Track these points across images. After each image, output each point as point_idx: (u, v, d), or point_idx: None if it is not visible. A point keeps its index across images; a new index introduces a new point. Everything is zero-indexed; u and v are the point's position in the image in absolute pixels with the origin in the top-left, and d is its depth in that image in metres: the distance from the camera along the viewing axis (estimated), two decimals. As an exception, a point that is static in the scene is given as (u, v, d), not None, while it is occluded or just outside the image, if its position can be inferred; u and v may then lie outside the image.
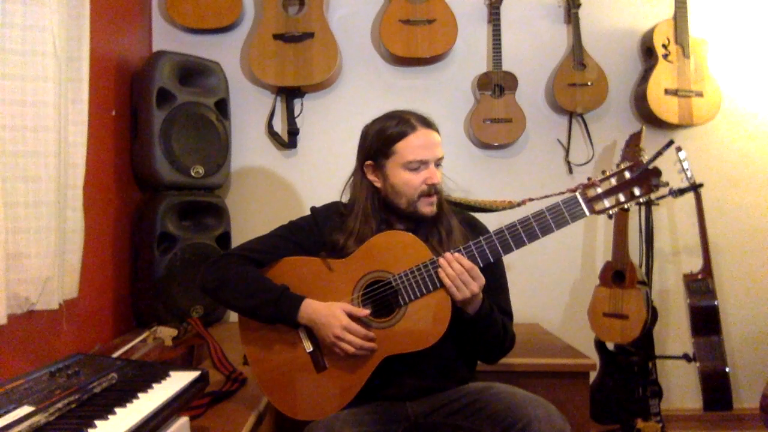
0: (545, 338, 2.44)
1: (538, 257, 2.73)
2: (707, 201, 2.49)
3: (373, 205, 1.51)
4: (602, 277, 2.50)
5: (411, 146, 1.45)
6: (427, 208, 1.47)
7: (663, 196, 2.48)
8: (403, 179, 1.45)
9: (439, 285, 1.37)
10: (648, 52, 2.72)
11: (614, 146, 2.76)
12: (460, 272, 1.34)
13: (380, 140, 1.48)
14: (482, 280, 1.36)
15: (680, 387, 2.75)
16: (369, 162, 1.51)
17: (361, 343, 1.39)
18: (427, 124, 1.50)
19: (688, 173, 2.44)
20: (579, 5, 2.69)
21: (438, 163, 1.49)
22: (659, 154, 1.32)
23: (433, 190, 1.46)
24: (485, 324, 1.43)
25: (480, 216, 1.68)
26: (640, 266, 2.51)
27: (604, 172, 1.34)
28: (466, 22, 2.72)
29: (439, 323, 1.38)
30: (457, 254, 1.36)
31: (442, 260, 1.36)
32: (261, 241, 1.56)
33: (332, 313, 1.40)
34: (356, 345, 1.38)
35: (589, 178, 1.36)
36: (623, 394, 2.44)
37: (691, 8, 2.66)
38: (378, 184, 1.51)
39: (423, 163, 1.45)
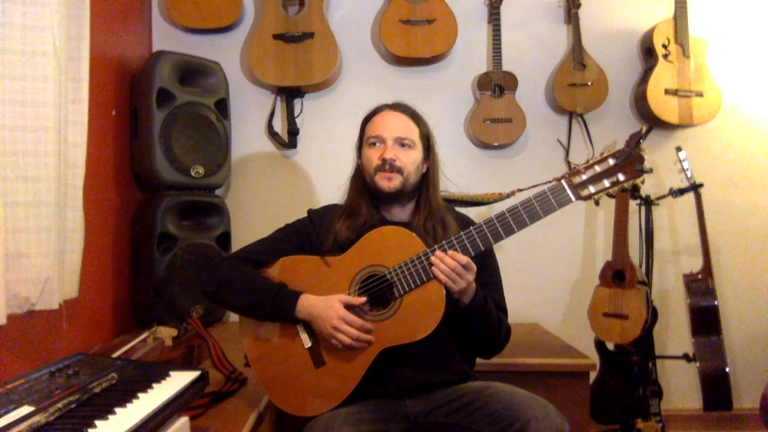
0: (545, 338, 2.43)
1: (538, 257, 2.73)
2: (707, 201, 2.49)
3: (361, 184, 1.59)
4: (602, 277, 2.50)
5: (373, 124, 1.57)
6: (384, 182, 1.51)
7: (663, 196, 2.48)
8: (366, 156, 1.56)
9: (432, 276, 1.39)
10: (648, 52, 2.72)
11: (614, 146, 2.72)
12: (453, 266, 1.36)
13: (361, 124, 1.63)
14: (475, 269, 1.39)
15: (680, 387, 2.75)
16: (357, 144, 1.63)
17: (358, 334, 1.40)
18: (396, 107, 1.58)
19: (688, 173, 2.44)
20: (579, 5, 2.69)
21: (404, 143, 1.53)
22: (640, 139, 1.35)
23: (388, 165, 1.50)
24: (480, 313, 1.44)
25: (473, 210, 1.70)
26: (640, 266, 2.51)
27: (588, 159, 1.37)
28: (466, 22, 2.72)
29: (433, 313, 1.39)
30: (450, 251, 1.38)
31: (434, 258, 1.38)
32: (259, 244, 1.60)
33: (329, 304, 1.42)
34: (353, 335, 1.39)
35: (574, 166, 1.37)
36: (623, 394, 2.44)
37: (691, 8, 2.66)
38: (361, 168, 1.60)
39: (379, 139, 1.53)
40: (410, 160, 1.53)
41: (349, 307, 1.43)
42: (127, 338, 1.91)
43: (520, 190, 1.40)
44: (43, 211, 1.63)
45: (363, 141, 1.59)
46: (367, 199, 1.57)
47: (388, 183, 1.51)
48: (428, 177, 1.59)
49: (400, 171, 1.51)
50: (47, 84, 1.63)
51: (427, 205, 1.55)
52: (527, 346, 2.21)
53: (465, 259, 1.36)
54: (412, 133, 1.55)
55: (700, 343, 2.43)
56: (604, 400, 2.45)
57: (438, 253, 1.38)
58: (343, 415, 1.38)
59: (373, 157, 1.53)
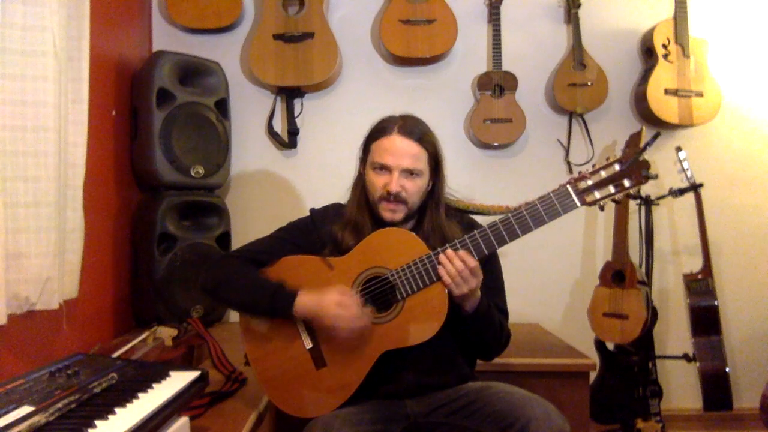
0: (545, 338, 2.44)
1: (538, 257, 2.74)
2: (707, 201, 2.49)
3: (364, 197, 1.54)
4: (602, 277, 2.50)
5: (379, 148, 1.49)
6: (387, 213, 1.48)
7: (663, 196, 2.48)
8: (370, 178, 1.51)
9: (435, 279, 1.38)
10: (648, 52, 2.72)
11: (614, 146, 2.76)
12: (461, 269, 1.34)
13: (367, 137, 1.55)
14: (481, 276, 1.37)
15: (680, 387, 2.75)
16: (361, 155, 1.57)
17: (356, 313, 1.36)
18: (406, 132, 1.47)
19: (688, 173, 2.44)
20: (579, 5, 2.69)
21: (413, 172, 1.46)
22: (647, 146, 1.36)
23: (392, 197, 1.45)
24: (483, 321, 1.44)
25: (476, 218, 1.68)
26: (640, 266, 2.51)
27: (594, 165, 1.37)
28: (466, 22, 2.72)
29: (436, 317, 1.39)
30: (461, 252, 1.36)
31: (442, 257, 1.36)
32: (260, 243, 1.58)
33: (325, 296, 1.39)
34: (352, 313, 1.36)
35: (580, 172, 1.37)
36: (623, 394, 2.44)
37: (691, 8, 2.66)
38: (365, 182, 1.55)
39: (385, 168, 1.47)
40: (416, 189, 1.48)
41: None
42: (127, 338, 1.91)
43: (527, 204, 1.39)
44: (43, 211, 1.62)
45: (368, 159, 1.53)
46: (370, 214, 1.53)
47: (392, 215, 1.47)
48: (433, 194, 1.54)
49: (404, 202, 1.47)
50: (47, 84, 1.62)
51: (430, 222, 1.52)
52: (527, 347, 2.21)
53: (474, 262, 1.35)
54: (420, 161, 1.48)
55: (700, 343, 2.43)
56: (604, 400, 2.45)
57: (448, 252, 1.36)
58: (343, 415, 1.38)
59: (377, 184, 1.48)
